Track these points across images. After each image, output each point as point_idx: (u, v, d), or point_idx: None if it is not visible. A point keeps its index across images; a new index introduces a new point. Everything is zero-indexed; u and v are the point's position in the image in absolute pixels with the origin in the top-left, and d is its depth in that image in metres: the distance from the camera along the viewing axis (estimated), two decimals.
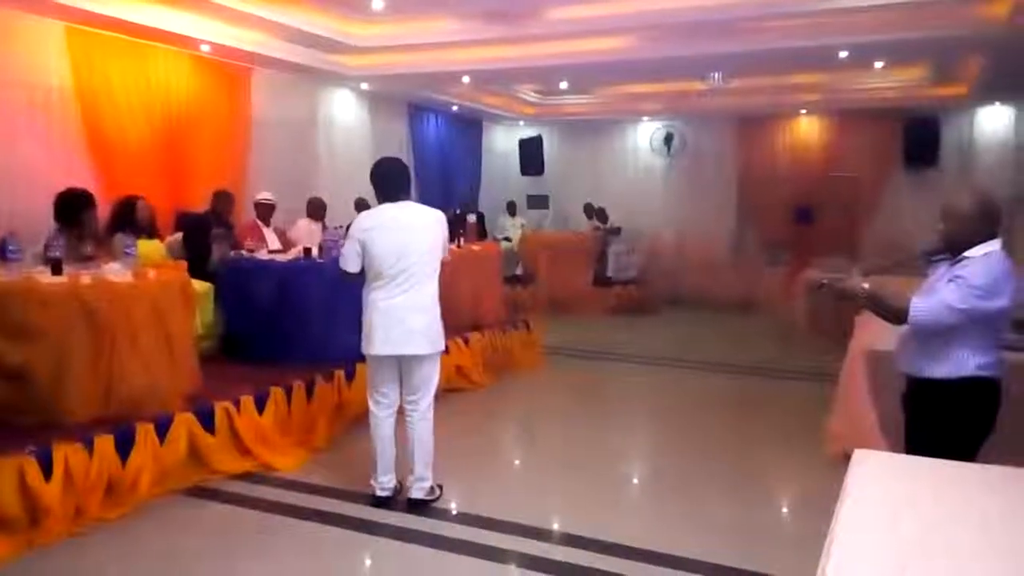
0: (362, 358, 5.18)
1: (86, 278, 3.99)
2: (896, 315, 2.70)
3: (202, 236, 5.98)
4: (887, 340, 3.64)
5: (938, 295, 2.62)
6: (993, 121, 10.70)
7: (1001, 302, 2.58)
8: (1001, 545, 1.68)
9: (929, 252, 2.90)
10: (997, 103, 10.53)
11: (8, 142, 5.73)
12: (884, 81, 9.95)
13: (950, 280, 2.62)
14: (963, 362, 2.66)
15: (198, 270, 5.34)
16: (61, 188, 5.03)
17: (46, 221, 5.00)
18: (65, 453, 3.48)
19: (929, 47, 7.59)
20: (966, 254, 2.67)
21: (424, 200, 4.30)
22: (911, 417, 2.88)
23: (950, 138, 10.83)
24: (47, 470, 3.41)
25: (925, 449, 2.54)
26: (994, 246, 2.66)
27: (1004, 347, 2.80)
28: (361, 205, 8.20)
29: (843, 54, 7.59)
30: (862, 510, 1.81)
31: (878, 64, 8.89)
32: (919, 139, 10.73)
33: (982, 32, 6.56)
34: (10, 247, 4.33)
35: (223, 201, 6.39)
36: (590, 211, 11.82)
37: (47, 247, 4.46)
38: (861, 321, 4.91)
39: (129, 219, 5.52)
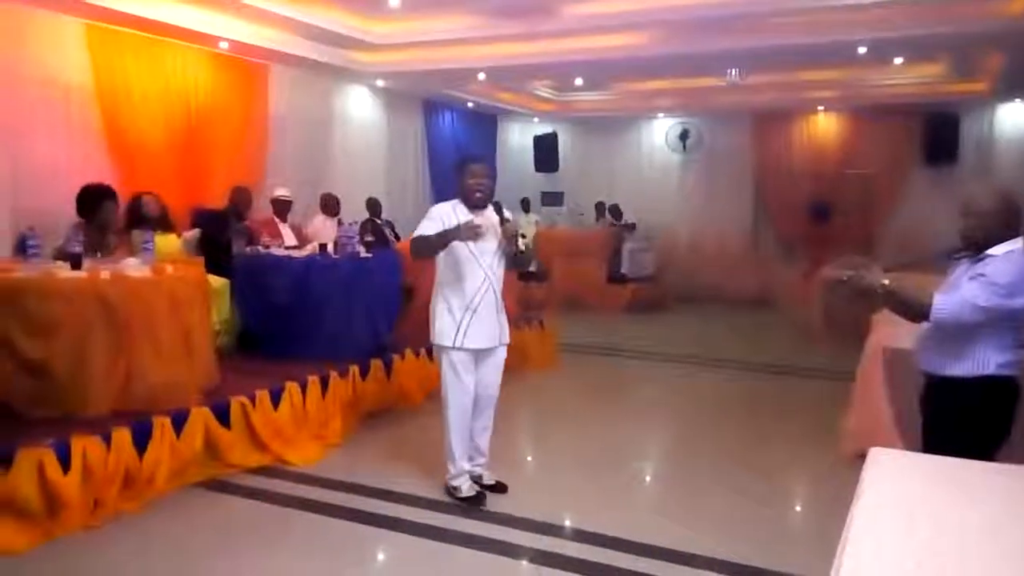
0: (376, 354, 5.28)
1: (105, 273, 4.03)
2: (918, 312, 2.67)
3: (218, 232, 6.02)
4: (904, 338, 3.61)
5: (960, 293, 2.59)
6: (1014, 117, 10.58)
7: None
8: (1018, 545, 1.66)
9: (950, 250, 2.87)
10: (1018, 99, 10.41)
11: (28, 139, 5.80)
12: (903, 77, 9.87)
13: (972, 278, 2.59)
14: (984, 360, 2.63)
15: (215, 266, 5.39)
16: (80, 184, 5.08)
17: (65, 217, 5.06)
18: (83, 446, 3.52)
19: (949, 43, 7.52)
20: (988, 252, 2.64)
21: (439, 197, 4.27)
22: (929, 415, 2.86)
23: (970, 135, 10.72)
24: (65, 463, 3.45)
25: (943, 448, 2.51)
26: (1017, 244, 2.63)
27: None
28: (373, 205, 8.24)
29: (862, 50, 7.52)
30: (877, 509, 1.79)
31: (897, 60, 8.81)
32: (938, 136, 10.62)
33: (1003, 28, 6.49)
34: (30, 242, 4.39)
35: (241, 197, 6.44)
36: (601, 209, 11.81)
37: (66, 242, 4.51)
38: (878, 319, 4.87)
39: (137, 215, 5.58)
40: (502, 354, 3.93)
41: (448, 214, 3.74)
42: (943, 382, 2.75)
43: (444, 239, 3.61)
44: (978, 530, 1.72)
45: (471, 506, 3.80)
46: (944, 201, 9.39)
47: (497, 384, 3.95)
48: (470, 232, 3.52)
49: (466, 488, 3.87)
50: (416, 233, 3.76)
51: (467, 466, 3.93)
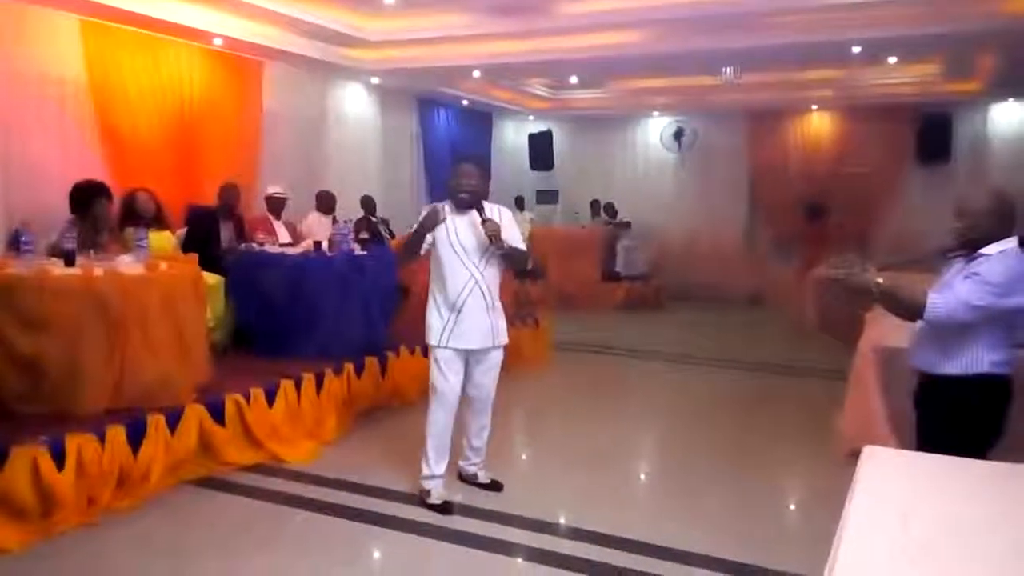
0: (371, 352, 5.28)
1: (98, 270, 4.03)
2: (912, 310, 2.68)
3: (205, 229, 6.01)
4: (897, 337, 3.63)
5: (955, 292, 2.60)
6: (1007, 117, 10.62)
7: (1018, 300, 2.56)
8: (1011, 543, 1.67)
9: (944, 249, 2.89)
10: (1011, 99, 10.44)
11: (22, 135, 5.77)
12: (897, 77, 9.90)
13: (966, 277, 2.60)
14: (977, 359, 2.65)
15: (205, 263, 5.38)
16: (74, 180, 5.06)
17: (59, 214, 5.04)
18: (78, 444, 3.51)
19: (943, 42, 7.53)
20: (982, 251, 2.65)
21: (433, 195, 4.27)
22: (922, 414, 2.87)
23: (963, 134, 10.76)
24: (60, 460, 3.44)
25: (936, 446, 2.53)
26: (1010, 243, 2.64)
27: (1018, 345, 2.79)
28: (367, 202, 8.24)
29: (856, 49, 7.54)
30: (871, 507, 1.80)
31: (891, 59, 8.83)
32: (932, 135, 10.66)
33: (997, 27, 6.51)
34: (23, 238, 4.38)
35: (229, 193, 6.40)
36: (596, 207, 11.84)
37: (60, 239, 4.49)
38: (871, 318, 4.88)
39: (131, 212, 5.57)
40: (496, 356, 3.89)
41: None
42: (936, 380, 2.76)
43: (416, 235, 3.70)
44: (972, 528, 1.73)
45: (440, 514, 3.73)
46: (937, 201, 9.43)
47: (492, 386, 3.93)
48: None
49: (435, 495, 3.82)
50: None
51: (441, 470, 3.85)
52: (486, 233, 3.64)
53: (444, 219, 3.68)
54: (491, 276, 3.80)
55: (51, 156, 5.93)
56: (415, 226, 3.75)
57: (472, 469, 4.07)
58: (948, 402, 2.73)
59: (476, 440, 4.02)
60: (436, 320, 3.76)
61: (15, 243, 4.58)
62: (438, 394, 3.80)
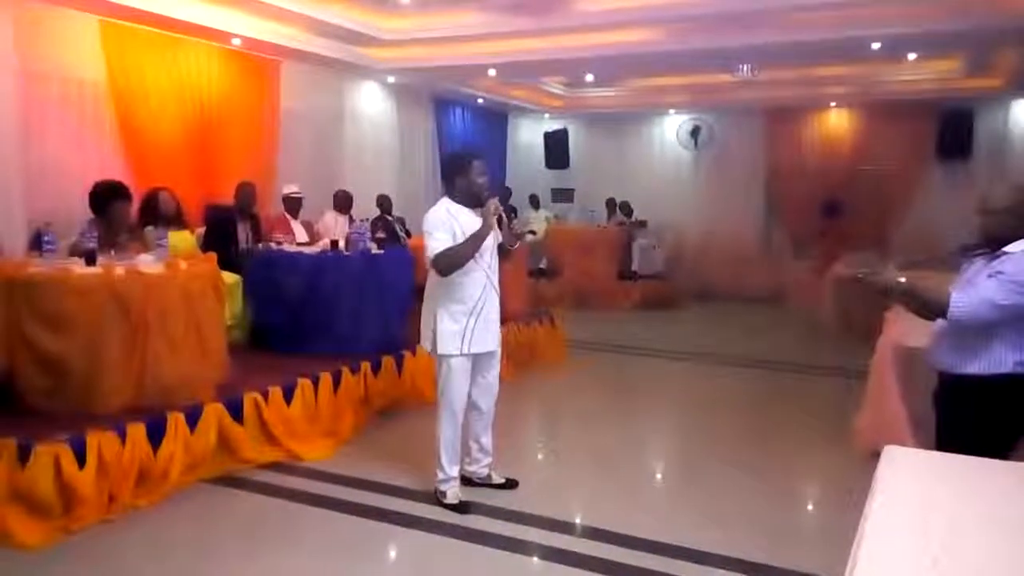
0: (387, 351, 5.30)
1: (119, 269, 4.05)
2: (934, 309, 2.66)
3: (224, 229, 6.05)
4: (918, 336, 3.59)
5: (978, 290, 2.57)
6: None
7: None
8: None
9: (965, 247, 2.86)
10: None
11: (43, 135, 5.84)
12: (917, 73, 9.80)
13: (990, 275, 2.58)
14: (1000, 359, 2.62)
15: (223, 262, 5.42)
16: (94, 180, 5.11)
17: (80, 214, 5.09)
18: (99, 441, 3.55)
19: (963, 39, 7.45)
20: (1005, 249, 2.62)
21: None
22: (943, 414, 2.84)
23: (984, 131, 10.63)
24: (81, 457, 3.48)
25: (957, 446, 2.50)
26: None
27: None
28: (383, 202, 8.26)
29: (875, 46, 7.48)
30: (893, 507, 1.78)
31: (911, 56, 8.74)
32: (952, 132, 10.55)
33: (1018, 23, 6.43)
34: (45, 238, 4.42)
35: (245, 193, 6.45)
36: (612, 206, 11.80)
37: (81, 238, 4.53)
38: (891, 317, 4.84)
39: (153, 211, 5.61)
40: (499, 353, 3.92)
41: (449, 220, 3.61)
42: (958, 380, 2.73)
43: (478, 241, 3.57)
44: (994, 529, 1.72)
45: (457, 513, 3.73)
46: (958, 198, 9.34)
47: (496, 384, 3.94)
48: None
49: (451, 495, 3.81)
50: (437, 251, 3.55)
51: (455, 472, 3.85)
52: (513, 230, 3.68)
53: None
54: (497, 272, 3.81)
55: (72, 156, 6.00)
56: (445, 237, 3.55)
57: (485, 471, 4.05)
58: (970, 402, 2.69)
59: (485, 439, 4.00)
60: (451, 327, 3.65)
61: (37, 243, 4.63)
62: (449, 402, 3.75)
